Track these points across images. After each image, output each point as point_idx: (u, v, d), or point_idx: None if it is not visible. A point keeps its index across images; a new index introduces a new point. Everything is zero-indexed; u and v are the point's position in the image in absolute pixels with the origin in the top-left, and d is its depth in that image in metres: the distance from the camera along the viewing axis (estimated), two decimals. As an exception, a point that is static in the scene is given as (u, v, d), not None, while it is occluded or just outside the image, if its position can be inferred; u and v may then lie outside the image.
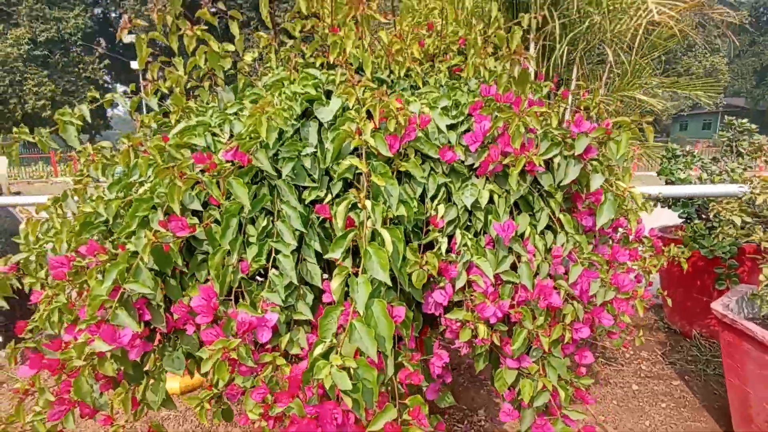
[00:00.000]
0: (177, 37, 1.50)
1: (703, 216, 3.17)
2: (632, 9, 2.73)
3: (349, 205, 1.05)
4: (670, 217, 3.44)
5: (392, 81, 1.57)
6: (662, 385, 2.66)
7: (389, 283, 0.93)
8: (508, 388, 1.18)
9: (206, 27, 1.53)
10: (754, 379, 1.82)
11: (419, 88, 1.57)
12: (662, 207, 3.29)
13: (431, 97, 1.47)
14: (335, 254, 0.97)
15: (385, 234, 0.98)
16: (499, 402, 2.44)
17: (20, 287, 1.52)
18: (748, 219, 2.09)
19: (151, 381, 1.15)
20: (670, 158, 3.21)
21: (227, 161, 1.22)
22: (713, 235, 2.66)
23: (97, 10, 32.38)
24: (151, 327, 1.18)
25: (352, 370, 0.81)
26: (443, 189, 1.26)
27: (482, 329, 1.07)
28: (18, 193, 3.60)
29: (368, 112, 1.24)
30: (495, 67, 1.60)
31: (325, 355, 0.85)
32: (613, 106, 2.51)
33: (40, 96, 26.17)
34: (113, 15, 34.16)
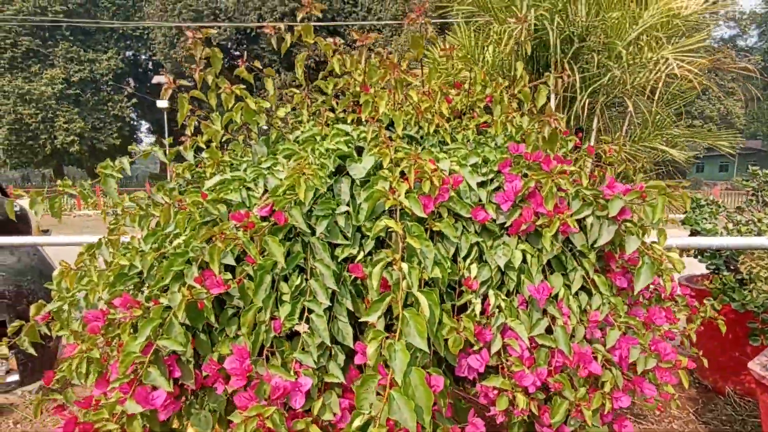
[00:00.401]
0: (215, 95, 1.57)
1: (732, 267, 3.09)
2: (651, 63, 2.78)
3: (384, 266, 1.05)
4: (695, 266, 3.36)
5: (421, 137, 1.61)
6: (698, 449, 2.52)
7: (427, 350, 0.92)
8: (545, 460, 1.13)
9: (243, 86, 1.60)
10: (802, 449, 1.71)
11: (448, 144, 1.60)
12: (686, 256, 3.22)
13: (460, 154, 1.49)
14: (371, 318, 0.97)
15: (422, 298, 0.97)
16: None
17: (48, 333, 1.54)
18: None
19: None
20: (694, 208, 3.17)
21: (262, 217, 1.24)
22: (746, 289, 2.58)
23: (129, 53, 34.16)
24: (180, 384, 1.17)
25: (391, 446, 0.79)
26: (475, 248, 1.26)
27: (521, 399, 1.04)
28: (47, 231, 3.67)
29: (402, 173, 1.26)
30: (521, 123, 1.62)
31: (364, 428, 0.83)
32: (640, 163, 2.51)
33: (70, 132, 27.30)
34: (143, 57, 35.98)
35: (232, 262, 1.22)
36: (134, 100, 31.12)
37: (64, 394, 1.34)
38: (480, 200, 1.34)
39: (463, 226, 1.26)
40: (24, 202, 3.48)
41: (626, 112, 3.16)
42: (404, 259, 1.06)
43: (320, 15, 1.45)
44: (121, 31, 30.69)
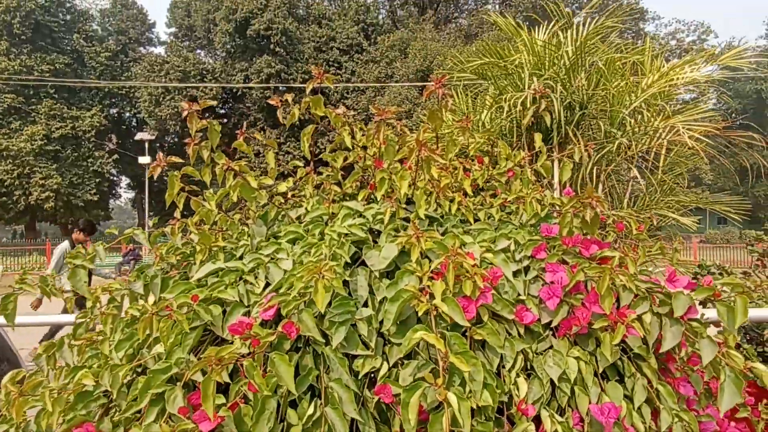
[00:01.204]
0: (210, 170, 1.39)
1: (748, 336, 2.93)
2: (652, 130, 2.76)
3: (422, 395, 0.83)
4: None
5: (441, 216, 1.44)
6: None
7: None
8: None
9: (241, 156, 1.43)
10: None
11: (470, 224, 1.44)
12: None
13: (487, 236, 1.33)
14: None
15: (478, 442, 0.75)
16: None
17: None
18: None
19: None
20: (704, 275, 3.05)
21: (262, 321, 1.02)
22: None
23: (113, 110, 34.35)
24: None
25: None
26: (520, 356, 1.05)
27: None
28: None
29: (426, 256, 1.08)
30: (551, 201, 1.48)
31: None
32: (654, 225, 2.41)
33: (46, 188, 26.66)
34: (127, 114, 36.23)
35: (227, 379, 0.98)
36: (115, 156, 30.90)
37: None
38: (519, 295, 1.16)
39: (506, 329, 1.06)
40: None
41: (627, 179, 3.11)
42: (447, 386, 0.84)
43: (332, 86, 1.32)
44: (107, 90, 31.03)
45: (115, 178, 35.11)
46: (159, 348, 1.09)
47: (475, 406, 0.85)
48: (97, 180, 29.61)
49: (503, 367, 1.02)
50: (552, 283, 1.13)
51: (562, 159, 1.53)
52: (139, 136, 28.70)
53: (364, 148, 1.49)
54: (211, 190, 1.41)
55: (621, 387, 1.10)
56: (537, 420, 1.02)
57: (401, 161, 1.48)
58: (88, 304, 1.30)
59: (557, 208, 1.54)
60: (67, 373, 1.20)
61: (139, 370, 1.15)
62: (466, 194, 1.44)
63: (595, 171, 2.66)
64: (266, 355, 0.94)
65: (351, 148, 1.43)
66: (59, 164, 27.75)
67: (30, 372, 1.28)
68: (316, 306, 0.92)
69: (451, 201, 1.42)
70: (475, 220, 1.46)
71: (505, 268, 1.18)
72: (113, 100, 33.58)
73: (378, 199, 1.47)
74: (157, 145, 34.99)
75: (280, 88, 27.74)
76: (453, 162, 1.48)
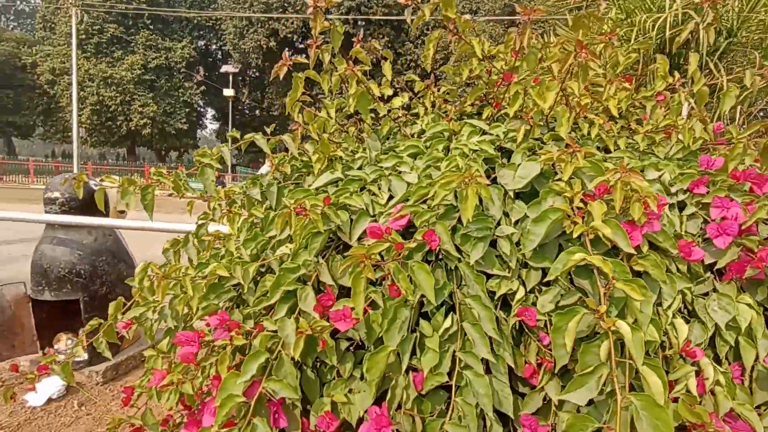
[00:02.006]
0: (329, 77, 1.32)
1: None
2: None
3: (580, 318, 0.75)
4: None
5: (576, 141, 1.28)
6: None
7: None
8: None
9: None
10: None
11: (610, 151, 1.27)
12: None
13: (633, 165, 1.16)
14: (575, 397, 0.67)
15: (651, 376, 0.66)
16: None
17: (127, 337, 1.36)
18: None
19: None
20: None
21: (397, 229, 0.97)
22: None
23: (201, 42, 35.70)
24: (284, 435, 0.93)
25: None
26: (679, 297, 0.92)
27: None
28: (123, 213, 3.69)
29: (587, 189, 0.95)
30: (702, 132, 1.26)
31: None
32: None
33: (144, 115, 28.92)
34: (213, 47, 37.51)
35: (348, 283, 0.96)
36: (202, 88, 32.48)
37: (142, 417, 1.15)
38: (676, 231, 1.01)
39: (667, 266, 0.93)
40: (104, 184, 3.47)
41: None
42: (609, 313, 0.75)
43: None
44: (195, 21, 32.11)
45: (201, 109, 37.16)
46: (283, 249, 1.09)
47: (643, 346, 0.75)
48: (187, 110, 31.53)
49: (659, 305, 0.91)
50: (724, 219, 0.97)
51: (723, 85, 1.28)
52: (224, 68, 29.81)
53: (491, 57, 1.33)
54: (329, 99, 1.35)
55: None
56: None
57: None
58: (212, 204, 1.34)
59: (710, 142, 1.32)
60: (194, 267, 1.26)
61: (263, 270, 1.17)
62: (611, 117, 1.26)
63: (738, 110, 2.28)
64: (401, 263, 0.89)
65: (481, 58, 1.28)
66: (154, 93, 29.75)
67: (160, 264, 1.36)
68: (464, 215, 0.84)
69: (591, 124, 1.25)
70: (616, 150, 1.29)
71: (653, 205, 1.03)
72: (201, 32, 34.81)
73: (504, 119, 1.34)
74: (240, 78, 36.18)
75: (359, 22, 27.04)
76: (598, 78, 1.29)
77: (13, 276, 4.03)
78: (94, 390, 3.14)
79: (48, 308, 3.26)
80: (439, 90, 1.48)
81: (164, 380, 0.91)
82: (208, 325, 1.02)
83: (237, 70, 29.87)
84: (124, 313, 1.35)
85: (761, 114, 2.66)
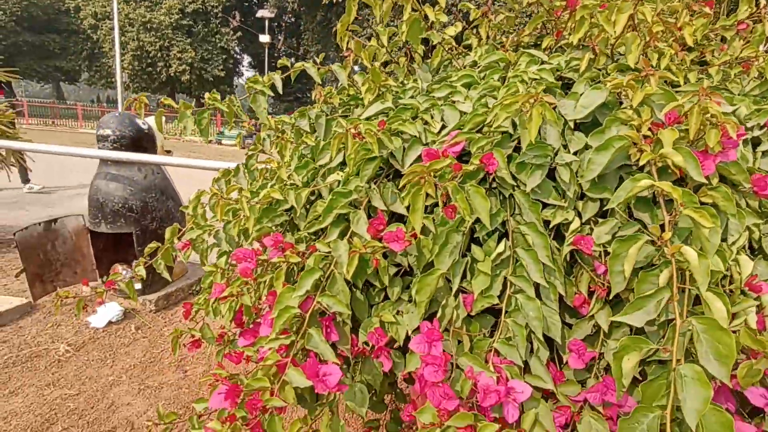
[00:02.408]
0: (381, 2, 1.27)
1: None
2: None
3: (641, 246, 0.73)
4: None
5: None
6: None
7: (729, 382, 0.60)
8: None
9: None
10: None
11: (679, 85, 1.18)
12: None
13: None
14: (632, 319, 0.66)
15: (716, 302, 0.65)
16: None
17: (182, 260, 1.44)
18: None
19: (330, 414, 0.96)
20: None
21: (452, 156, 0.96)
22: None
23: (237, -15, 34.98)
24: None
25: None
26: (746, 233, 0.88)
27: None
28: (170, 152, 3.81)
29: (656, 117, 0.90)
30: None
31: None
32: None
33: (182, 62, 29.09)
34: (250, -9, 36.71)
35: (404, 211, 0.97)
36: (239, 34, 32.15)
37: (201, 330, 1.23)
38: (749, 167, 0.95)
39: (736, 201, 0.89)
40: (150, 120, 3.57)
41: None
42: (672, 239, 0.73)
43: None
44: (231, -37, 31.32)
45: (238, 56, 36.99)
46: (334, 177, 1.10)
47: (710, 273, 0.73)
48: (224, 57, 31.44)
49: (724, 240, 0.87)
50: (806, 154, 0.90)
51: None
52: (260, 13, 29.28)
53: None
54: (383, 26, 1.30)
55: None
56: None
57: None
58: (262, 133, 1.36)
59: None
60: (245, 194, 1.30)
61: (312, 198, 1.19)
62: (684, 47, 1.17)
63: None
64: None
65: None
66: (192, 39, 29.72)
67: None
68: (525, 138, 0.82)
69: (661, 54, 1.16)
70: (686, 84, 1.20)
71: (733, 132, 0.96)
72: (237, -26, 33.98)
73: (564, 50, 1.26)
74: (275, 24, 35.53)
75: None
76: (674, 3, 1.18)
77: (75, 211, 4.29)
78: (148, 317, 3.39)
79: (104, 240, 3.48)
80: (495, 18, 1.40)
81: (224, 292, 0.96)
82: (263, 245, 1.06)
83: (273, 15, 29.30)
84: (179, 238, 1.43)
85: None
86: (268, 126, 1.29)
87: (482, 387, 0.69)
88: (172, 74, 29.48)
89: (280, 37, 35.80)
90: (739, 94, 1.19)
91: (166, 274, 1.42)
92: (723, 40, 1.36)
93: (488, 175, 0.93)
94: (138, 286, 3.48)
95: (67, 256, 3.34)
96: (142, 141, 3.38)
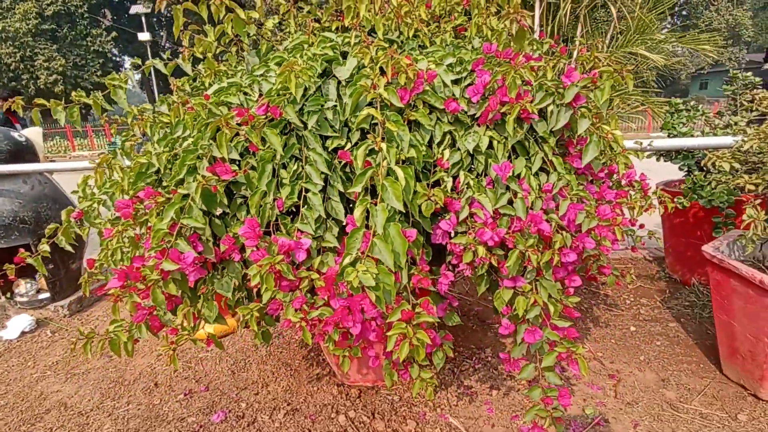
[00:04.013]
0: (206, 7, 1.66)
1: (703, 168, 3.28)
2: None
3: (368, 150, 1.24)
4: (674, 173, 3.54)
5: (401, 41, 1.72)
6: (658, 327, 2.85)
7: (402, 210, 1.13)
8: (506, 305, 1.39)
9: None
10: (740, 314, 1.99)
11: (427, 47, 1.72)
12: (665, 161, 3.41)
13: (437, 55, 1.62)
14: (356, 189, 1.17)
15: (399, 171, 1.17)
16: (504, 342, 2.67)
17: (81, 235, 1.76)
18: (737, 165, 2.22)
19: (206, 301, 1.39)
20: (672, 113, 3.30)
21: (260, 115, 1.41)
22: (709, 184, 2.79)
23: (101, -19, 32.02)
24: (203, 259, 1.41)
25: (373, 274, 1.02)
26: (448, 136, 1.44)
27: (481, 250, 1.27)
28: (52, 161, 3.84)
29: (381, 69, 1.41)
30: (497, 26, 1.73)
31: (352, 264, 1.06)
32: (614, 64, 2.60)
33: (52, 71, 26.38)
34: (117, -14, 33.78)
35: (237, 157, 1.41)
36: (114, 34, 29.69)
37: (105, 275, 1.59)
38: (454, 95, 1.50)
39: (438, 117, 1.43)
40: (28, 132, 3.60)
41: (610, 19, 3.18)
42: (385, 142, 1.24)
43: None
44: (91, -43, 28.56)
45: (117, 59, 34.14)
46: (187, 142, 1.50)
47: (403, 158, 1.26)
48: (101, 60, 28.89)
49: (434, 143, 1.42)
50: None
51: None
52: (133, 9, 27.19)
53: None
54: (209, 25, 1.70)
55: (526, 161, 1.50)
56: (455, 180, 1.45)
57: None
58: (129, 119, 1.71)
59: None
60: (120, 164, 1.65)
61: (175, 161, 1.58)
62: (427, 24, 1.71)
63: (569, 10, 2.77)
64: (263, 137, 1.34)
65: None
66: (59, 44, 26.91)
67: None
68: (294, 97, 1.29)
69: (409, 27, 1.69)
70: (432, 46, 1.74)
71: (444, 75, 1.51)
72: (100, -31, 31.05)
73: (347, 27, 1.75)
74: (154, 20, 33.19)
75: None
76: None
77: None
78: (63, 321, 3.52)
79: (2, 256, 3.51)
80: (302, 10, 1.86)
81: (113, 231, 1.34)
82: (139, 199, 1.44)
83: (149, 10, 27.38)
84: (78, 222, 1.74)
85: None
86: (132, 113, 1.65)
87: (279, 243, 1.17)
88: (42, 86, 26.62)
89: (162, 33, 33.61)
90: (472, 50, 1.75)
91: (68, 247, 1.74)
92: (467, 13, 1.94)
93: (288, 123, 1.40)
94: (45, 295, 3.58)
95: (-37, 277, 3.34)
96: (23, 153, 3.44)
